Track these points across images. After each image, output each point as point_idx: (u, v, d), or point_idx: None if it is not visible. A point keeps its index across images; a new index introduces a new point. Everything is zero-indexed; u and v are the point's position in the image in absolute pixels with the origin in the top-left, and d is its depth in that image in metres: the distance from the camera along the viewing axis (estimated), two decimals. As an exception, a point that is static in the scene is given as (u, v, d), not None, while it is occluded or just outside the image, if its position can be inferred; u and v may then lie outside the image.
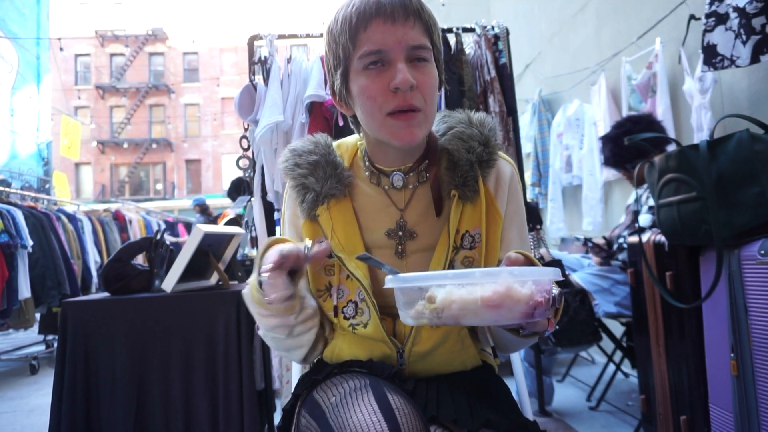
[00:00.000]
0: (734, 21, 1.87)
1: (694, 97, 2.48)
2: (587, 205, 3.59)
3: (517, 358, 1.11)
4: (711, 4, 1.96)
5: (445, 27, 2.55)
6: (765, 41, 1.79)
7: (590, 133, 3.56)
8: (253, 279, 0.81)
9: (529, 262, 0.73)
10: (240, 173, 2.74)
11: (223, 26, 22.83)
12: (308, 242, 0.75)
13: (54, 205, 5.57)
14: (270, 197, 2.43)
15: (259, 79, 2.49)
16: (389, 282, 0.65)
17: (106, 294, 1.87)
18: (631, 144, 2.12)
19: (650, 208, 2.17)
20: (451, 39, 2.55)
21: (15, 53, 9.64)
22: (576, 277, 2.44)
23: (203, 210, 6.90)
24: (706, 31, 1.98)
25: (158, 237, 1.94)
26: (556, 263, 2.52)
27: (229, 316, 1.76)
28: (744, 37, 1.83)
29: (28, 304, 3.97)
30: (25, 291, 3.83)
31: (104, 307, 1.75)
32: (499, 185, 0.89)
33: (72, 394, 1.65)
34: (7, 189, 4.80)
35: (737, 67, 1.90)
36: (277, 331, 0.84)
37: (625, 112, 3.10)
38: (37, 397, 3.41)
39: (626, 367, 2.97)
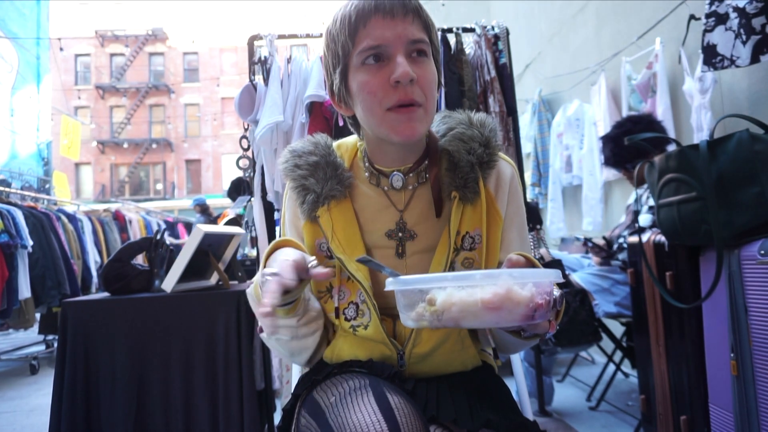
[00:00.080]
0: (734, 21, 1.87)
1: (694, 97, 2.48)
2: (587, 205, 3.59)
3: (517, 359, 1.11)
4: (711, 4, 1.96)
5: (445, 27, 2.55)
6: (765, 41, 1.79)
7: (590, 133, 3.56)
8: (257, 279, 0.81)
9: (529, 263, 0.73)
10: (240, 173, 2.74)
11: (223, 26, 22.83)
12: (314, 261, 0.73)
13: (54, 205, 5.57)
14: (270, 197, 2.43)
15: (259, 79, 2.49)
16: (390, 284, 0.65)
17: (106, 294, 1.88)
18: (631, 144, 2.12)
19: (650, 208, 2.17)
20: (451, 39, 2.55)
21: (15, 53, 9.64)
22: (576, 277, 2.44)
23: (203, 210, 6.90)
24: (706, 31, 1.98)
25: (158, 237, 1.94)
26: (556, 263, 2.52)
27: (229, 316, 1.76)
28: (744, 37, 1.84)
29: (28, 304, 3.97)
30: (25, 291, 3.83)
31: (104, 307, 1.75)
32: (499, 186, 0.89)
33: (72, 394, 1.65)
34: (7, 189, 4.80)
35: (737, 67, 1.90)
36: (281, 332, 0.84)
37: (625, 112, 3.10)
38: (37, 397, 3.41)
39: (626, 367, 2.97)
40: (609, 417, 2.49)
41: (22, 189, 6.35)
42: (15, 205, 4.18)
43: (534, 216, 2.94)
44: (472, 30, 2.59)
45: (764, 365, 1.33)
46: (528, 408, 1.02)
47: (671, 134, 2.63)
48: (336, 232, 0.86)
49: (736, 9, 1.86)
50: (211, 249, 1.92)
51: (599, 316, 2.38)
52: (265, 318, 0.67)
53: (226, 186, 5.33)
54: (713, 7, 1.95)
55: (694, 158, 1.47)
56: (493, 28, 2.58)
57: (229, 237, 2.01)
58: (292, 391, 0.87)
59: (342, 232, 0.86)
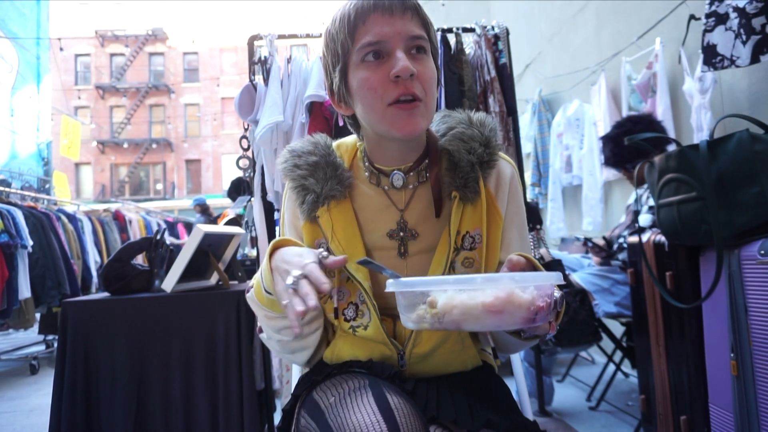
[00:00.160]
0: (734, 21, 1.87)
1: (694, 97, 2.48)
2: (587, 205, 3.59)
3: (517, 359, 1.11)
4: (711, 4, 1.96)
5: (445, 27, 2.55)
6: (765, 41, 1.79)
7: (590, 133, 3.56)
8: (257, 281, 0.81)
9: (530, 263, 0.73)
10: (240, 173, 2.73)
11: (223, 26, 22.83)
12: (324, 252, 0.72)
13: (54, 205, 5.57)
14: (270, 197, 2.43)
15: (259, 79, 2.49)
16: (390, 286, 0.65)
17: (106, 294, 1.88)
18: (631, 144, 2.12)
19: (650, 208, 2.17)
20: (451, 39, 2.55)
21: (15, 53, 9.64)
22: (576, 277, 2.44)
23: (203, 210, 6.90)
24: (706, 31, 1.98)
25: (158, 237, 1.94)
26: (556, 263, 2.52)
27: (229, 316, 1.76)
28: (744, 37, 1.83)
29: (28, 304, 3.97)
30: (25, 291, 3.83)
31: (104, 307, 1.75)
32: (499, 186, 0.89)
33: (72, 394, 1.65)
34: (7, 189, 4.80)
35: (737, 67, 1.90)
36: (283, 333, 0.84)
37: (625, 112, 3.10)
38: (37, 397, 3.41)
39: (626, 367, 2.97)
40: (609, 417, 2.49)
41: (22, 189, 6.35)
42: (15, 205, 4.18)
43: (534, 216, 2.94)
44: (472, 30, 2.59)
45: (764, 365, 1.33)
46: (528, 408, 1.02)
47: (671, 134, 2.63)
48: (336, 233, 0.86)
49: (736, 9, 1.86)
50: (211, 249, 1.92)
51: (599, 316, 2.38)
52: (301, 317, 0.64)
53: (226, 186, 5.33)
54: (713, 7, 1.95)
55: (694, 158, 1.47)
56: (493, 28, 2.58)
57: (229, 237, 2.01)
58: (292, 391, 0.87)
59: (342, 232, 0.86)
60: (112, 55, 23.03)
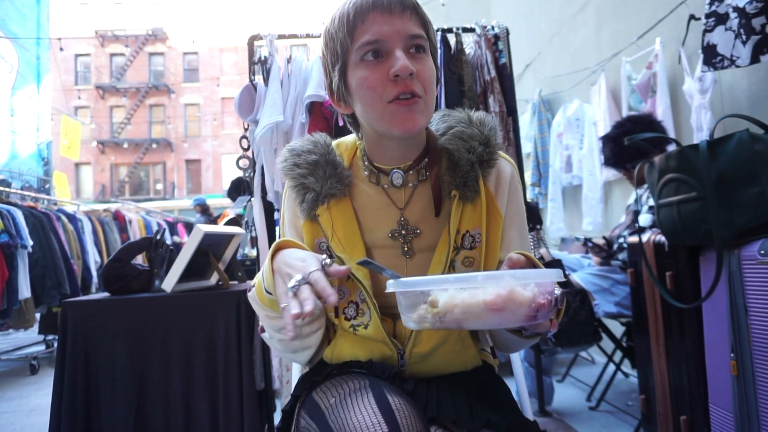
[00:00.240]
0: (734, 21, 1.87)
1: (694, 97, 2.48)
2: (587, 205, 3.59)
3: (517, 358, 1.11)
4: (711, 4, 1.96)
5: (445, 27, 2.55)
6: (765, 41, 1.79)
7: (590, 133, 3.56)
8: (258, 281, 0.81)
9: (530, 262, 0.73)
10: (240, 173, 2.73)
11: (223, 26, 22.83)
12: (327, 260, 0.71)
13: (54, 205, 5.56)
14: (270, 197, 2.43)
15: (259, 79, 2.49)
16: (391, 286, 0.65)
17: (106, 294, 1.88)
18: (631, 144, 2.12)
19: (650, 208, 2.17)
20: (451, 39, 2.55)
21: (15, 53, 9.64)
22: (576, 277, 2.44)
23: (204, 210, 6.90)
24: (706, 31, 1.98)
25: (158, 237, 1.94)
26: (556, 263, 2.52)
27: (229, 316, 1.76)
28: (744, 37, 1.83)
29: (28, 304, 3.97)
30: (25, 291, 3.83)
31: (104, 307, 1.75)
32: (499, 185, 0.89)
33: (72, 394, 1.65)
34: (7, 189, 4.80)
35: (737, 67, 1.90)
36: (284, 333, 0.84)
37: (625, 112, 3.10)
38: (37, 397, 3.41)
39: (626, 367, 2.97)
40: (609, 417, 2.49)
41: (22, 189, 6.36)
42: (15, 205, 4.18)
43: (534, 216, 2.94)
44: (472, 30, 2.59)
45: (764, 365, 1.32)
46: (528, 408, 1.02)
47: (671, 134, 2.63)
48: (336, 231, 0.86)
49: (736, 9, 1.86)
50: (211, 249, 1.92)
51: (599, 316, 2.38)
52: (295, 320, 0.64)
53: (226, 186, 5.33)
54: (713, 7, 1.95)
55: (694, 158, 1.47)
56: (493, 28, 2.58)
57: (229, 237, 2.01)
58: (292, 392, 0.87)
59: (342, 231, 0.86)
60: (112, 55, 23.03)
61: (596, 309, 2.36)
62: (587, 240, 2.54)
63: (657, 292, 1.80)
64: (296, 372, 1.08)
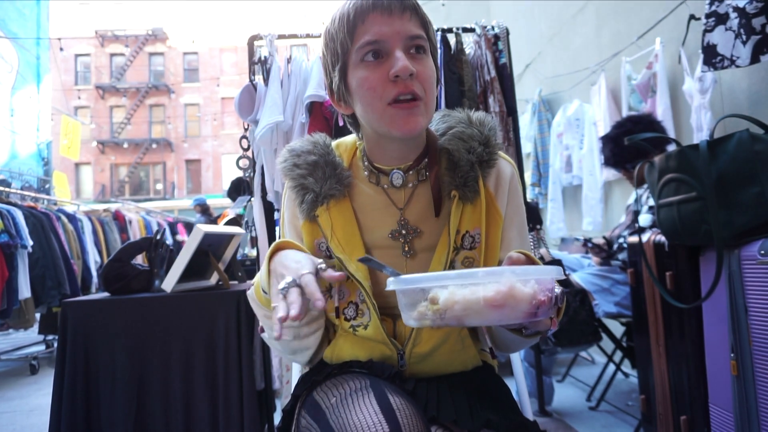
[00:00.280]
0: (734, 21, 1.87)
1: (694, 97, 2.48)
2: (587, 205, 3.59)
3: (517, 358, 1.11)
4: (711, 4, 1.96)
5: (445, 27, 2.55)
6: (765, 41, 1.79)
7: (590, 133, 3.56)
8: (257, 280, 0.81)
9: (530, 262, 0.73)
10: (240, 173, 2.74)
11: (223, 26, 22.83)
12: (323, 264, 0.72)
13: (54, 205, 5.56)
14: (270, 197, 2.43)
15: (259, 79, 2.49)
16: (391, 284, 0.65)
17: (106, 294, 1.88)
18: (631, 144, 2.12)
19: (650, 208, 2.17)
20: (451, 39, 2.55)
21: (15, 53, 9.64)
22: (576, 277, 2.44)
23: (204, 210, 6.90)
24: (706, 31, 1.98)
25: (158, 237, 1.94)
26: (555, 263, 2.52)
27: (229, 316, 1.76)
28: (744, 37, 1.83)
29: (28, 304, 3.97)
30: (25, 291, 3.83)
31: (104, 307, 1.75)
32: (499, 185, 0.89)
33: (72, 394, 1.65)
34: (7, 189, 4.80)
35: (737, 67, 1.90)
36: (284, 333, 0.84)
37: (625, 112, 3.10)
38: (37, 397, 3.41)
39: (626, 367, 2.97)
40: (609, 417, 2.49)
41: (22, 189, 6.36)
42: (15, 205, 4.18)
43: (534, 216, 2.94)
44: (472, 30, 2.59)
45: (764, 365, 1.33)
46: (528, 408, 1.02)
47: (671, 134, 2.63)
48: (335, 232, 0.86)
49: (736, 9, 1.86)
50: (211, 249, 1.92)
51: (599, 316, 2.38)
52: (281, 323, 0.65)
53: (226, 186, 5.33)
54: (713, 7, 1.95)
55: (694, 158, 1.47)
56: (493, 28, 2.58)
57: (229, 237, 2.01)
58: (292, 391, 0.87)
59: (341, 231, 0.86)
60: (112, 55, 23.04)
61: (596, 309, 2.36)
62: (587, 240, 2.54)
63: (657, 292, 1.80)
64: (296, 372, 1.08)
